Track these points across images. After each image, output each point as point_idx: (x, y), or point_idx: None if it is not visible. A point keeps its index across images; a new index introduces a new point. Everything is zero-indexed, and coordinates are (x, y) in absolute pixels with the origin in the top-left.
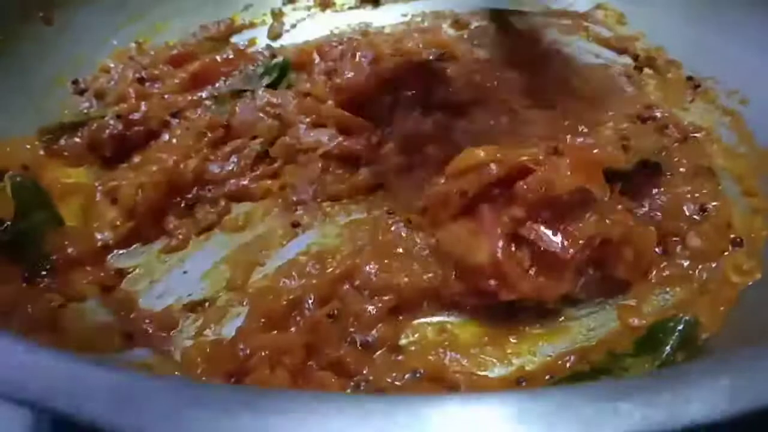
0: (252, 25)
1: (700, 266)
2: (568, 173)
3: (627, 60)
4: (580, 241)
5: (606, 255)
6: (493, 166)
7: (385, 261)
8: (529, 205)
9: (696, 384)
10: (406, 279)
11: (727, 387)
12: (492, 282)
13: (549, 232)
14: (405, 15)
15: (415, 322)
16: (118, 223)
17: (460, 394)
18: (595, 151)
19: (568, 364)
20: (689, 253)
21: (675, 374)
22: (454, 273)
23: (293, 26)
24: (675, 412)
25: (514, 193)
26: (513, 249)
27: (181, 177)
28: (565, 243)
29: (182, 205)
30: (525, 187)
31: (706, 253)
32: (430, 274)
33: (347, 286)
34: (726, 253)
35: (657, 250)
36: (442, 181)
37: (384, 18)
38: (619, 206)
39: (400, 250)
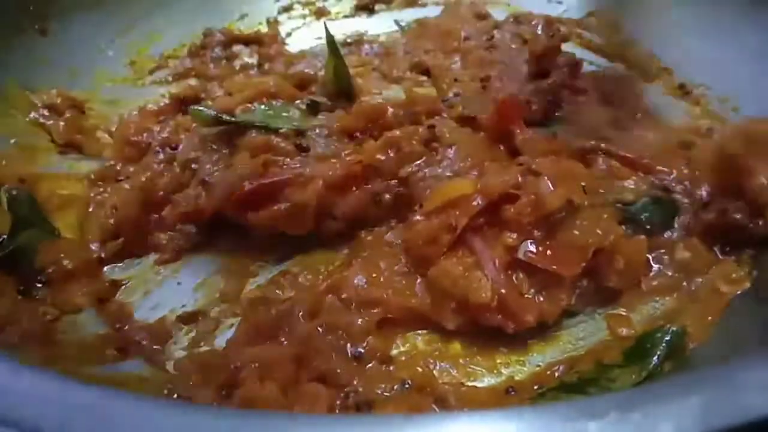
0: (247, 35)
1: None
2: (552, 189)
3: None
4: (580, 256)
5: (598, 265)
6: (477, 197)
7: (373, 275)
8: (522, 229)
9: (667, 402)
10: (394, 296)
11: (698, 405)
12: (498, 317)
13: (545, 252)
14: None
15: (406, 333)
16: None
17: (430, 414)
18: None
19: (556, 374)
20: (677, 266)
21: (648, 392)
22: (451, 307)
23: (288, 35)
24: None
25: (504, 219)
26: (513, 278)
27: (154, 195)
28: (564, 260)
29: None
30: (516, 212)
31: (694, 266)
32: (420, 300)
33: (334, 299)
34: (714, 266)
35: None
36: (418, 218)
37: (378, 26)
38: (605, 215)
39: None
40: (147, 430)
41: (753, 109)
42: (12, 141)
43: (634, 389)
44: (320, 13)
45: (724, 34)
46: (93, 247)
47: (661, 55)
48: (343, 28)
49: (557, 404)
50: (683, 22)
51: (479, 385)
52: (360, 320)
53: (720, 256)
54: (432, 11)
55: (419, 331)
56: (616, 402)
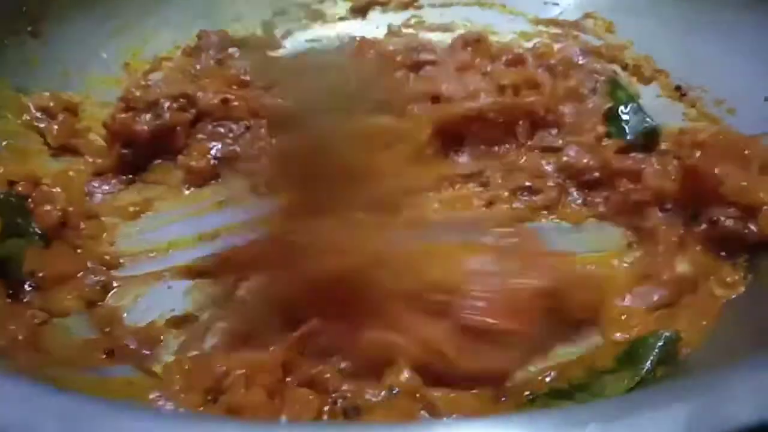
0: (242, 37)
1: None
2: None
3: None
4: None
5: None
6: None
7: None
8: None
9: (651, 412)
10: None
11: (683, 414)
12: None
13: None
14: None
15: None
16: None
17: (417, 422)
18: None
19: (547, 380)
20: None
21: (632, 401)
22: None
23: (283, 37)
24: None
25: None
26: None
27: None
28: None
29: None
30: None
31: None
32: None
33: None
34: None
35: None
36: None
37: (373, 29)
38: None
39: None
40: None
41: (749, 111)
42: (3, 143)
43: (618, 398)
44: (316, 15)
45: (721, 35)
46: None
47: (657, 57)
48: (338, 30)
49: (542, 413)
50: (679, 24)
51: (469, 391)
52: None
53: (715, 261)
54: (428, 12)
55: None
56: (599, 411)
